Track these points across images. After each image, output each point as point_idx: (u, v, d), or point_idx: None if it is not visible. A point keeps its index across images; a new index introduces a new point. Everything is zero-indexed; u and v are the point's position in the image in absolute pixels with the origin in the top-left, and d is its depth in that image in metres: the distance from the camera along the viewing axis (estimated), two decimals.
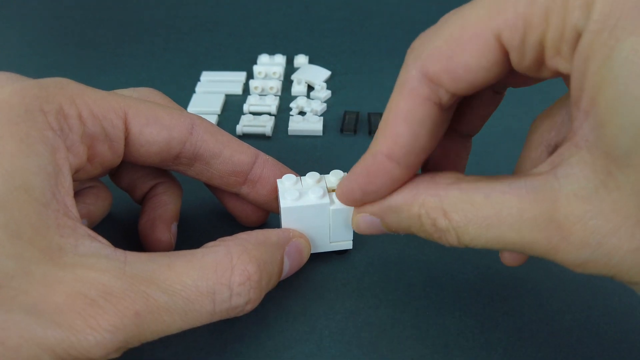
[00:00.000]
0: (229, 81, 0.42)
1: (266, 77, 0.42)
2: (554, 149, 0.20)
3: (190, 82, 0.42)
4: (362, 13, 0.54)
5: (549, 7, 0.14)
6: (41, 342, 0.16)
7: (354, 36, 0.50)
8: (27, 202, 0.17)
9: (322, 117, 0.37)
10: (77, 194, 0.26)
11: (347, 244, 0.26)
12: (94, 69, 0.44)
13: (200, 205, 0.30)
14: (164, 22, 0.52)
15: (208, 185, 0.27)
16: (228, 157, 0.24)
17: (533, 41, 0.15)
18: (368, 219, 0.21)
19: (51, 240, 0.17)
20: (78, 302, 0.16)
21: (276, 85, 0.41)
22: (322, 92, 0.40)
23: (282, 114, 0.39)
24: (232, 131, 0.36)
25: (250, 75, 0.43)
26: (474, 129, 0.23)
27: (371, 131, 0.36)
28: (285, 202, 0.24)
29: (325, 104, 0.39)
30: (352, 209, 0.23)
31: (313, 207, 0.24)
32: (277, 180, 0.25)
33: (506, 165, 0.33)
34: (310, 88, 0.41)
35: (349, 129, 0.36)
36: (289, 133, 0.36)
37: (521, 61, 0.16)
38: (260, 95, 0.40)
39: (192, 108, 0.39)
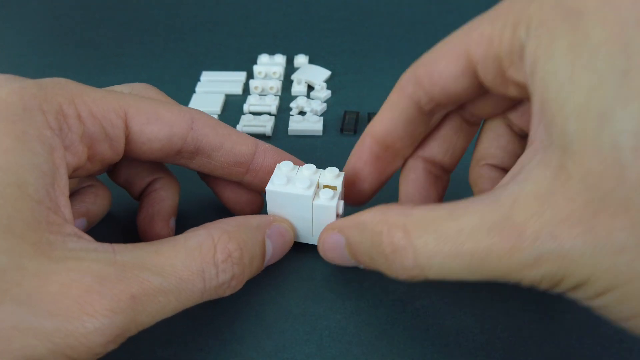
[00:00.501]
0: (229, 81, 0.42)
1: (266, 77, 0.42)
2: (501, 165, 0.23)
3: (190, 82, 0.42)
4: (362, 13, 0.54)
5: (504, 27, 0.17)
6: (37, 332, 0.16)
7: (354, 36, 0.50)
8: (20, 198, 0.17)
9: (322, 117, 0.37)
10: (76, 193, 0.26)
11: None
12: (94, 69, 0.44)
13: (197, 200, 0.30)
14: (164, 22, 0.52)
15: (203, 177, 0.28)
16: (229, 149, 0.25)
17: (492, 54, 0.18)
18: (333, 239, 0.22)
19: (42, 236, 0.17)
20: (73, 290, 0.17)
21: (276, 85, 0.41)
22: (322, 92, 0.40)
23: (282, 114, 0.39)
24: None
25: (250, 75, 0.43)
26: (450, 161, 0.25)
27: None
28: (272, 185, 0.24)
29: (325, 104, 0.39)
30: (334, 207, 0.24)
31: (295, 196, 0.24)
32: (277, 164, 0.25)
33: None
34: (310, 88, 0.41)
35: (349, 129, 0.36)
36: (289, 133, 0.36)
37: (486, 74, 0.19)
38: (260, 95, 0.40)
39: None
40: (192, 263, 0.19)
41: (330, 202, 0.24)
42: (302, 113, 0.38)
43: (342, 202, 0.25)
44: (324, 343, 0.23)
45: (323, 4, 0.56)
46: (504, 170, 0.24)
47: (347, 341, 0.23)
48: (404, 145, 0.24)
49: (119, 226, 0.29)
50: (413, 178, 0.25)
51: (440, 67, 0.20)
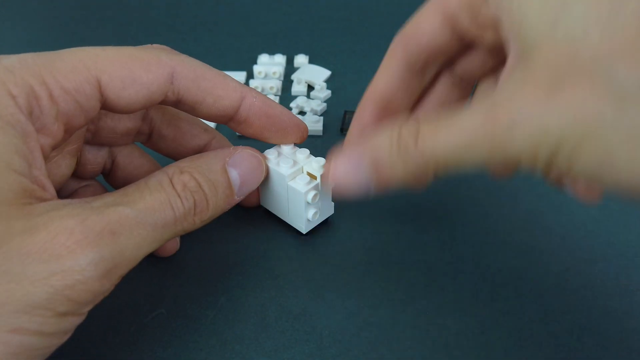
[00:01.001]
0: None
1: (266, 77, 0.42)
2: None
3: None
4: (362, 13, 0.54)
5: None
6: (33, 279, 0.17)
7: (354, 36, 0.50)
8: (6, 171, 0.18)
9: (322, 117, 0.37)
10: (75, 193, 0.26)
11: (300, 227, 0.27)
12: None
13: None
14: (164, 22, 0.52)
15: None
16: (211, 103, 0.24)
17: (465, 2, 0.21)
18: (350, 159, 0.22)
19: (27, 201, 0.18)
20: (59, 235, 0.18)
21: (276, 85, 0.41)
22: (322, 92, 0.40)
23: None
24: (232, 131, 0.36)
25: (250, 75, 0.43)
26: None
27: None
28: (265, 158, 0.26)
29: (325, 104, 0.39)
30: (303, 192, 0.25)
31: (275, 172, 0.26)
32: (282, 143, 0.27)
33: None
34: (310, 88, 0.41)
35: (349, 129, 0.36)
36: None
37: (463, 20, 0.22)
38: None
39: None
40: (158, 195, 0.21)
41: (301, 188, 0.25)
42: (302, 113, 0.38)
43: (318, 194, 0.26)
44: (324, 343, 0.23)
45: (323, 4, 0.56)
46: None
47: (347, 341, 0.23)
48: (402, 104, 0.26)
49: None
50: None
51: (422, 25, 0.23)
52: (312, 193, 0.26)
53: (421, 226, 0.29)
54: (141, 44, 0.24)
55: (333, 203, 0.28)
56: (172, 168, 0.23)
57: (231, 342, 0.23)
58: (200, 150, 0.28)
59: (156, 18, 0.53)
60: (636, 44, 0.15)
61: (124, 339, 0.23)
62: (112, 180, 0.28)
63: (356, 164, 0.22)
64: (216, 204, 0.23)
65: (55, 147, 0.21)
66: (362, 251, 0.27)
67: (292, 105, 0.39)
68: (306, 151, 0.27)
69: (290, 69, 0.44)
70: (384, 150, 0.21)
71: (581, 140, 0.16)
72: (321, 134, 0.36)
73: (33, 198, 0.18)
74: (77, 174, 0.26)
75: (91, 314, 0.19)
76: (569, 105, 0.16)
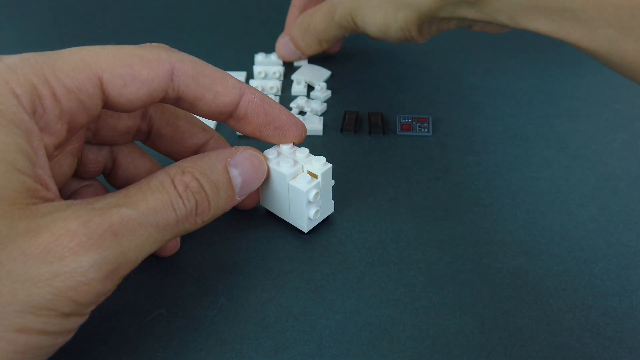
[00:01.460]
0: None
1: (266, 77, 0.42)
2: None
3: None
4: None
5: None
6: (36, 280, 0.17)
7: (354, 36, 0.49)
8: (9, 171, 0.18)
9: (322, 117, 0.37)
10: (76, 193, 0.26)
11: (302, 226, 0.27)
12: None
13: None
14: (164, 22, 0.52)
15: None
16: (211, 100, 0.24)
17: None
18: (283, 40, 0.43)
19: (29, 201, 0.18)
20: (62, 236, 0.18)
21: (276, 85, 0.41)
22: (322, 92, 0.40)
23: None
24: (232, 131, 0.36)
25: (250, 75, 0.43)
26: None
27: (371, 131, 0.36)
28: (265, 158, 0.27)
29: (325, 104, 0.39)
30: (305, 192, 0.26)
31: (276, 172, 0.26)
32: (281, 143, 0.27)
33: (506, 165, 0.33)
34: (310, 88, 0.41)
35: (349, 129, 0.36)
36: None
37: None
38: None
39: None
40: (160, 196, 0.21)
41: (303, 187, 0.25)
42: (302, 113, 0.38)
43: (319, 193, 0.26)
44: (324, 343, 0.23)
45: None
46: None
47: (347, 341, 0.23)
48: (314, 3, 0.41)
49: None
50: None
51: None
52: (314, 192, 0.26)
53: (421, 226, 0.29)
54: (141, 44, 0.24)
55: (333, 201, 0.29)
56: (174, 168, 0.23)
57: (231, 342, 0.23)
58: (198, 149, 0.28)
59: (156, 18, 0.53)
60: None
61: (124, 338, 0.23)
62: (112, 180, 0.28)
63: (286, 42, 0.42)
64: (217, 204, 0.23)
65: (58, 147, 0.21)
66: (363, 251, 0.27)
67: (292, 105, 0.39)
68: (306, 150, 0.27)
69: (290, 69, 0.44)
70: (297, 33, 0.41)
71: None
72: (321, 133, 0.36)
73: (36, 198, 0.18)
74: (78, 173, 0.26)
75: (91, 314, 0.19)
76: None
